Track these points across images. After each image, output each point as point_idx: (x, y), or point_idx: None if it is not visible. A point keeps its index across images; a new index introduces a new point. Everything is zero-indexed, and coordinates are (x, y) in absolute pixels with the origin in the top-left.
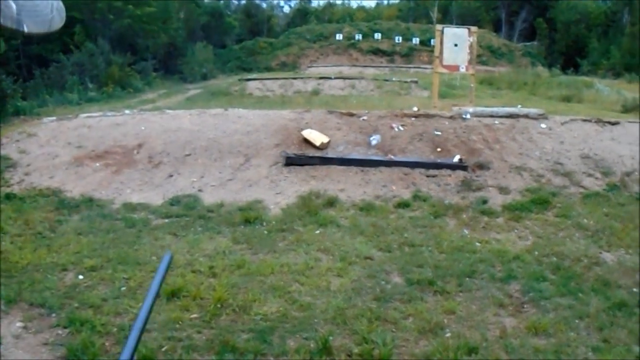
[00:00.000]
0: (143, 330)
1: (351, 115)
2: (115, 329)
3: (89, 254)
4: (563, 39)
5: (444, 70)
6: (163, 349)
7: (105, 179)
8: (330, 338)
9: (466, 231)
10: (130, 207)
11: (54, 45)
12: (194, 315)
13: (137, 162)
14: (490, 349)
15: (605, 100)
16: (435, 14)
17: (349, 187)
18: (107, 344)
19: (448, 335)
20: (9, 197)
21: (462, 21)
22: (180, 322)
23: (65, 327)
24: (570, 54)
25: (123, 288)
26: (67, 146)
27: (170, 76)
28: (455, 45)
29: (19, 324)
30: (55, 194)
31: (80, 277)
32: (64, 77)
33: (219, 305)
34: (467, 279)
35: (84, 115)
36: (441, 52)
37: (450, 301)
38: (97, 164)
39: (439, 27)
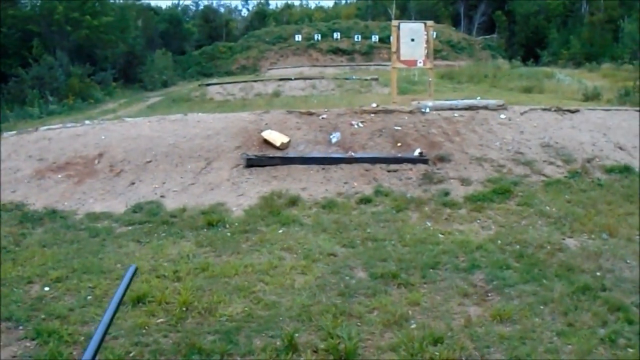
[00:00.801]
0: (105, 335)
1: (311, 114)
2: (82, 338)
3: (54, 265)
4: (523, 30)
5: (402, 66)
6: (130, 355)
7: (67, 190)
8: (296, 335)
9: (429, 223)
10: (93, 216)
11: (12, 59)
12: (160, 320)
13: (99, 171)
14: (455, 338)
15: (567, 89)
16: (393, 11)
17: (310, 185)
18: (74, 353)
19: (413, 326)
20: None
21: (421, 17)
22: (146, 328)
23: (33, 339)
24: (530, 46)
25: (89, 297)
26: (28, 159)
27: (130, 85)
28: (412, 40)
29: None
30: (18, 208)
31: (46, 288)
32: (24, 92)
33: (184, 309)
34: (431, 270)
35: (44, 127)
36: (398, 48)
37: (414, 293)
38: (59, 176)
39: (394, 22)
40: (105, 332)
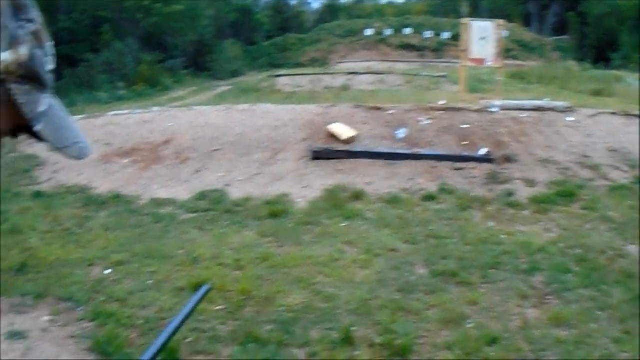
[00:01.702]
0: (167, 342)
1: (378, 109)
2: (140, 322)
3: (116, 249)
4: (594, 32)
5: (471, 64)
6: (187, 340)
7: (132, 175)
8: (353, 329)
9: (492, 223)
10: (157, 202)
11: (82, 45)
12: (219, 307)
13: (165, 158)
14: (511, 339)
15: (636, 94)
16: (465, 9)
17: (375, 180)
18: (132, 336)
19: (470, 326)
20: (38, 194)
21: (493, 16)
22: (205, 314)
23: (91, 320)
24: (601, 48)
25: (149, 282)
26: (95, 144)
27: (199, 73)
28: (482, 38)
29: (46, 318)
30: (84, 191)
31: (107, 271)
32: (93, 77)
33: (243, 297)
34: (492, 270)
35: (112, 113)
36: (468, 46)
37: (473, 292)
38: (125, 161)
39: (465, 20)
40: (165, 345)
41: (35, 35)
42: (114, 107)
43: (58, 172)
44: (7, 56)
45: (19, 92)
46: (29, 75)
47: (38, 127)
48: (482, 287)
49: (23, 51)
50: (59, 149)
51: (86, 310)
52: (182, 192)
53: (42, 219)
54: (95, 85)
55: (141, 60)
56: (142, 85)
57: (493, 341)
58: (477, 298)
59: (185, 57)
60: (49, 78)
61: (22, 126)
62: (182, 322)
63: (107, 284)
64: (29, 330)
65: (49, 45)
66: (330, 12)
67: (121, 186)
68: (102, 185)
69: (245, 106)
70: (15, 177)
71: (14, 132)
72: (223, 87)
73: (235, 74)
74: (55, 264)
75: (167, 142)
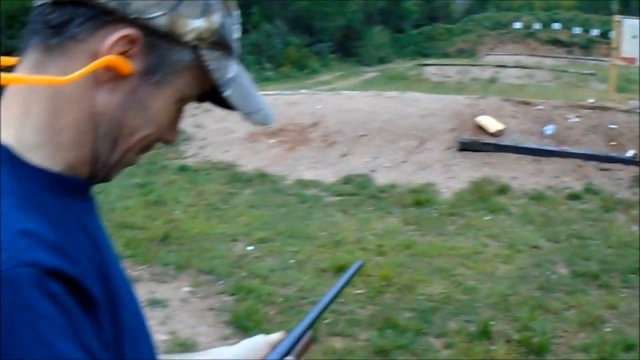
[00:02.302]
0: (319, 317)
1: (526, 103)
2: (280, 299)
3: (260, 226)
4: None
5: (622, 63)
6: (326, 321)
7: (279, 155)
8: (491, 323)
9: (635, 227)
10: (302, 183)
11: None
12: (359, 291)
13: (311, 140)
14: None
15: None
16: (615, 6)
17: (521, 175)
18: (271, 312)
19: (608, 330)
20: (183, 168)
21: None
22: (345, 297)
23: (231, 295)
24: None
25: (291, 261)
26: (242, 122)
27: (347, 59)
28: (634, 37)
29: (186, 289)
30: (229, 168)
31: (250, 248)
32: (241, 57)
33: (384, 283)
34: (632, 275)
35: (260, 93)
36: (619, 44)
37: (613, 296)
38: (272, 141)
39: (617, 17)
40: (316, 319)
41: (225, 3)
42: (260, 88)
43: (204, 147)
44: (200, 23)
45: (210, 58)
46: (220, 42)
47: (227, 93)
48: (622, 291)
49: (215, 19)
50: (245, 114)
51: (226, 284)
52: (328, 175)
53: (186, 192)
54: (242, 65)
55: (289, 42)
56: (289, 67)
57: (629, 347)
58: (617, 302)
59: (333, 42)
60: (237, 45)
61: (208, 92)
62: (335, 297)
63: (248, 260)
64: (169, 299)
65: (236, 14)
66: (479, 3)
67: (267, 165)
68: (248, 163)
69: (394, 93)
70: (162, 150)
71: (201, 98)
72: (370, 73)
73: (382, 60)
74: (197, 237)
75: (314, 124)
